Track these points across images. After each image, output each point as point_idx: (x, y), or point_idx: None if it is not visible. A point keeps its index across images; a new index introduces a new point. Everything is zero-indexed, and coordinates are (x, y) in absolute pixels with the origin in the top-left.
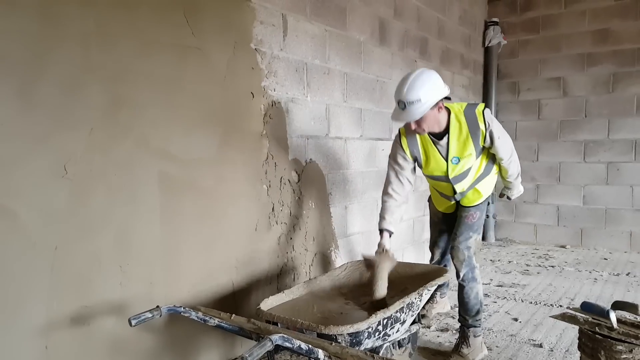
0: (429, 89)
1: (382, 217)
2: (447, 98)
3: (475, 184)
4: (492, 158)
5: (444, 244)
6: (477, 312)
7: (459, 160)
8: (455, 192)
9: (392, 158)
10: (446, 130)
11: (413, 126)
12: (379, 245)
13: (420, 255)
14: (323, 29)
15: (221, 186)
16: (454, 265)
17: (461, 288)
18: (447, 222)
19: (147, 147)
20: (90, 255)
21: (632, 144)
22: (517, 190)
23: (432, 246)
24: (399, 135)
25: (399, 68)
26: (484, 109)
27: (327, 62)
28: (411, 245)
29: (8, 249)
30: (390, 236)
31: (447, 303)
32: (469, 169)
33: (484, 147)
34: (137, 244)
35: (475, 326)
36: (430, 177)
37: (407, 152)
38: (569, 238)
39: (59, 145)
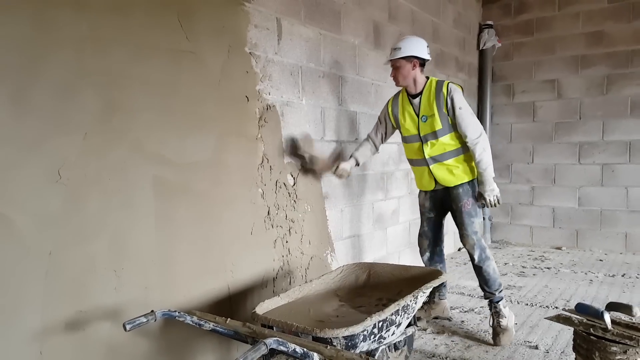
0: (411, 44)
1: (356, 149)
2: (424, 61)
3: (447, 158)
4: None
5: (432, 235)
6: (500, 285)
7: (427, 119)
8: (424, 155)
9: (379, 117)
10: (421, 93)
11: (392, 73)
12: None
13: (416, 257)
14: (317, 32)
15: (216, 190)
16: (467, 250)
17: (479, 269)
18: (434, 211)
19: (142, 152)
20: (85, 260)
21: (626, 146)
22: (490, 187)
23: (420, 237)
24: (389, 100)
25: None
26: (451, 82)
27: (322, 66)
28: (407, 247)
29: (2, 255)
30: (355, 164)
31: (447, 307)
32: (437, 134)
33: (453, 123)
34: (132, 248)
35: (502, 297)
36: (406, 139)
37: (390, 109)
38: (564, 239)
39: (54, 150)
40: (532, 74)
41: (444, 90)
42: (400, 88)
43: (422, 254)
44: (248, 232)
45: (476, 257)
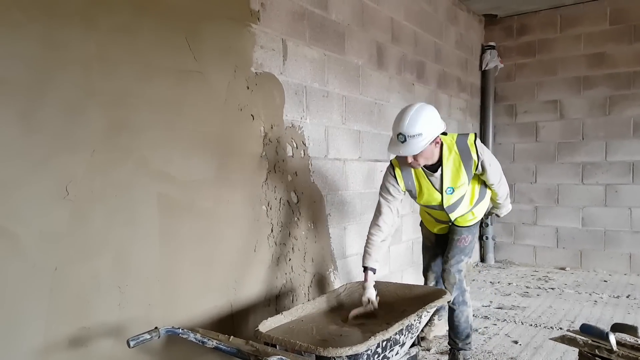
0: (430, 124)
1: (367, 253)
2: (444, 133)
3: (473, 209)
4: (484, 182)
5: (438, 268)
6: (467, 336)
7: (454, 191)
8: (450, 220)
9: (384, 189)
10: (439, 162)
11: (409, 159)
12: (365, 289)
13: (419, 277)
14: (322, 53)
15: (220, 207)
16: (445, 287)
17: (452, 311)
18: (441, 246)
19: (147, 169)
20: (89, 276)
21: (629, 166)
22: (506, 209)
23: (426, 271)
24: (392, 168)
25: (397, 91)
26: (475, 139)
27: (326, 86)
28: (410, 267)
29: (8, 270)
30: (374, 273)
31: (444, 326)
32: (463, 196)
33: (475, 174)
34: (136, 265)
35: (465, 349)
36: (425, 206)
37: (402, 184)
38: (568, 260)
39: (61, 167)
40: (534, 95)
41: (474, 156)
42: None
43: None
44: (251, 250)
45: (452, 298)
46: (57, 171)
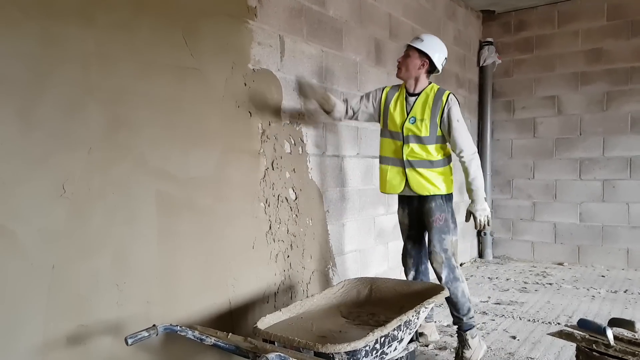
0: (433, 44)
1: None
2: (434, 70)
3: (425, 166)
4: (449, 158)
5: (415, 253)
6: (469, 310)
7: (415, 121)
8: (403, 155)
9: (367, 94)
10: (419, 94)
11: (399, 59)
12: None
13: None
14: (320, 49)
15: (219, 204)
16: (434, 269)
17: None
18: (414, 228)
19: (146, 167)
20: (87, 274)
21: (627, 162)
22: (481, 206)
23: (404, 257)
24: (384, 88)
25: None
26: (452, 94)
27: (324, 82)
28: None
29: (6, 269)
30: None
31: (434, 330)
32: (422, 140)
33: (442, 134)
34: (135, 263)
35: (471, 326)
36: (387, 135)
37: (384, 96)
38: (566, 255)
39: (59, 165)
40: (532, 91)
41: (444, 98)
42: (399, 82)
43: (406, 274)
44: (250, 247)
45: (443, 277)
46: (56, 169)
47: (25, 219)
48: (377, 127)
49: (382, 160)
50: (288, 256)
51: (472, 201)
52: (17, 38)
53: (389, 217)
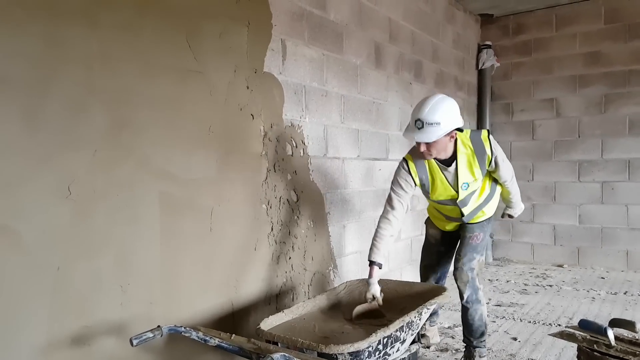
0: (449, 115)
1: (375, 247)
2: (460, 129)
3: (483, 206)
4: (495, 179)
5: (440, 268)
6: (482, 334)
7: (469, 186)
8: (462, 215)
9: (396, 183)
10: (453, 157)
11: (422, 148)
12: (370, 285)
13: (418, 274)
14: (321, 53)
15: (221, 206)
16: (458, 286)
17: (465, 310)
18: (446, 245)
19: (149, 168)
20: (91, 275)
21: (625, 164)
22: (520, 207)
23: (426, 270)
24: (406, 162)
25: (395, 90)
26: (489, 135)
27: (325, 85)
28: (409, 264)
29: (11, 269)
30: (380, 268)
31: (436, 334)
32: (475, 190)
33: (487, 170)
34: (138, 263)
35: (480, 347)
36: (436, 202)
37: (415, 177)
38: (566, 257)
39: (63, 166)
40: (530, 93)
41: (488, 151)
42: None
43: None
44: (252, 248)
45: (465, 296)
46: (60, 169)
47: (30, 220)
48: (376, 128)
49: (436, 208)
50: (289, 258)
51: (512, 207)
52: (21, 39)
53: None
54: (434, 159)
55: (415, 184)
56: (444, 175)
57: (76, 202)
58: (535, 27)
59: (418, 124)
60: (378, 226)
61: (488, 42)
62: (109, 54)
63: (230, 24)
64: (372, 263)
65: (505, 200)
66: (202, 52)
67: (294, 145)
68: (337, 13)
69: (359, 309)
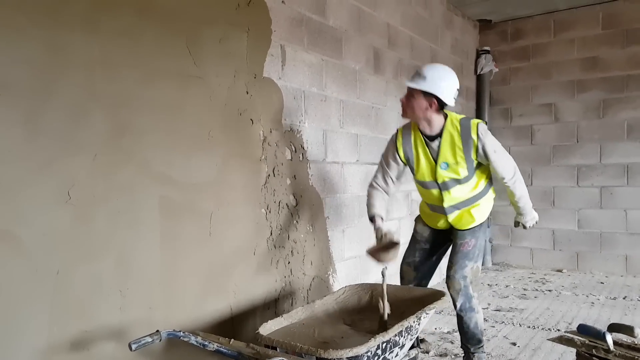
0: (440, 82)
1: (371, 204)
2: (444, 105)
3: (470, 204)
4: (491, 180)
5: (420, 272)
6: (479, 341)
7: (448, 167)
8: (443, 201)
9: (384, 156)
10: (440, 134)
11: (402, 98)
12: (377, 230)
13: None
14: (320, 58)
15: (220, 210)
16: (450, 294)
17: (460, 318)
18: (430, 244)
19: (149, 172)
20: (91, 279)
21: (624, 168)
22: (531, 216)
23: (407, 271)
24: (396, 134)
25: (394, 95)
26: (480, 122)
27: (324, 90)
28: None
29: (11, 274)
30: (382, 220)
31: (427, 341)
32: (461, 181)
33: (478, 162)
34: (138, 268)
35: (478, 353)
36: (421, 184)
37: (400, 149)
38: (565, 262)
39: (64, 170)
40: (529, 98)
41: (474, 135)
42: (407, 120)
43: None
44: (251, 253)
45: (458, 305)
46: (60, 174)
47: (30, 224)
48: (375, 133)
49: (423, 197)
50: (289, 262)
51: (521, 215)
52: (22, 44)
53: (388, 224)
54: (421, 133)
55: (399, 155)
56: (428, 151)
57: (76, 206)
58: (533, 32)
59: (415, 73)
60: (367, 192)
61: (486, 48)
62: (110, 59)
63: (230, 30)
64: (372, 219)
65: (512, 204)
66: (202, 58)
67: (293, 149)
68: (336, 19)
69: (372, 249)
